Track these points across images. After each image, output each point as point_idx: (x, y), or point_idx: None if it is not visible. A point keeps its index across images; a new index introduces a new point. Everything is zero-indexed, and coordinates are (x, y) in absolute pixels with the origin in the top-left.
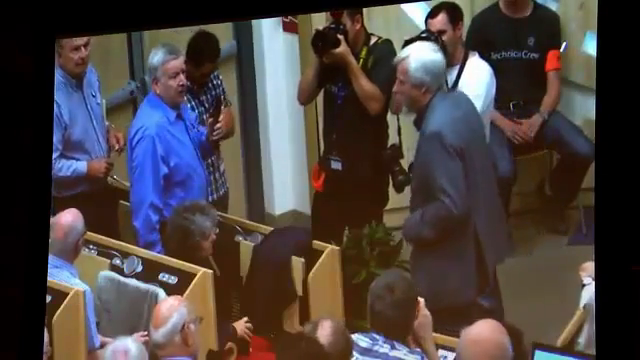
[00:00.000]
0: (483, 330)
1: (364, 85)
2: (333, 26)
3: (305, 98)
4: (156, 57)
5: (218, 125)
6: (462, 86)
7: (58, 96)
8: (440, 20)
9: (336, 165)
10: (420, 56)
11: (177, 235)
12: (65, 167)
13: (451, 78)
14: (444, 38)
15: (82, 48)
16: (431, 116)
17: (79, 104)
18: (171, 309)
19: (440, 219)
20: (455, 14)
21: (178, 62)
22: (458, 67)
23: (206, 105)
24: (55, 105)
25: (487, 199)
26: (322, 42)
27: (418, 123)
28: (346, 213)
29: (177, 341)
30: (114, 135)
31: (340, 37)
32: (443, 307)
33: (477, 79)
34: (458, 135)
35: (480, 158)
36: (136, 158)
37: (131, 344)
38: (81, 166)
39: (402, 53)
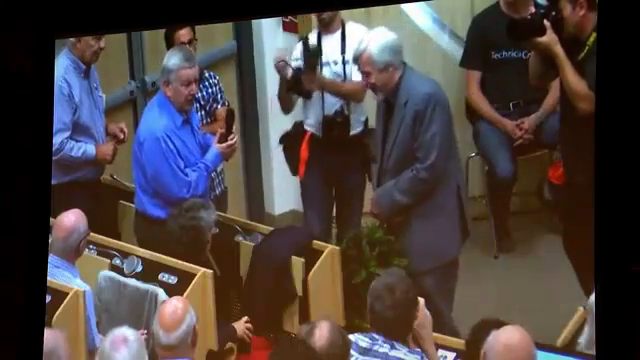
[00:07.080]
0: (517, 337)
1: (571, 82)
2: (542, 11)
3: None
4: (172, 60)
5: (232, 137)
6: None
7: (68, 77)
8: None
9: None
10: (378, 40)
11: (189, 235)
12: (76, 148)
13: None
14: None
15: (102, 38)
16: (410, 84)
17: (86, 91)
18: (183, 311)
19: (417, 184)
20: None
21: (192, 71)
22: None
23: (202, 102)
24: (65, 84)
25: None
26: (524, 28)
27: (392, 98)
28: None
29: (188, 342)
30: (117, 126)
31: (546, 24)
32: (433, 267)
33: None
34: (446, 98)
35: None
36: (149, 161)
37: (128, 332)
38: (90, 149)
39: (358, 46)
